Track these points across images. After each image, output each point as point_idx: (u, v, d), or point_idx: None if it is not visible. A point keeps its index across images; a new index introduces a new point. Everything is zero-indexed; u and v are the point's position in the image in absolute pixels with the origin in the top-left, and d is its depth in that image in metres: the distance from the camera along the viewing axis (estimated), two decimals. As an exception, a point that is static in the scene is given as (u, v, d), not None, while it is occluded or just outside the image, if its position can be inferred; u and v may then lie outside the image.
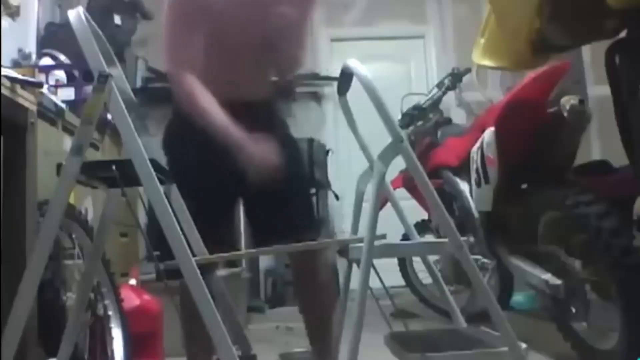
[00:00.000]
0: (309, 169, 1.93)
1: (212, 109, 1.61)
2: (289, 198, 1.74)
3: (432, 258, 1.99)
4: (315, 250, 1.77)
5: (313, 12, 1.88)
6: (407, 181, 2.97)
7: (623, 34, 1.83)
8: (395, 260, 3.51)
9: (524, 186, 2.46)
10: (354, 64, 1.44)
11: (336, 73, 1.64)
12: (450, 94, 3.32)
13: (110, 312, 1.98)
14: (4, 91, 1.50)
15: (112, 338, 1.97)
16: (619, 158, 2.01)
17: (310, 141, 4.25)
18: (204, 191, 1.69)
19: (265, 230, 1.78)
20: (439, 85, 3.34)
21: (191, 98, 1.63)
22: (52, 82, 2.77)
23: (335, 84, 1.68)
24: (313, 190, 4.14)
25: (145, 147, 1.29)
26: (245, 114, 1.64)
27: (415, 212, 2.86)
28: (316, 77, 4.86)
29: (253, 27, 1.73)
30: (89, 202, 2.61)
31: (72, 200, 1.85)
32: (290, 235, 1.61)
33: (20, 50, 2.69)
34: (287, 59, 1.83)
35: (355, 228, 1.65)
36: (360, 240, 1.37)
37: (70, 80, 2.87)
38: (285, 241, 1.61)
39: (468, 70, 3.28)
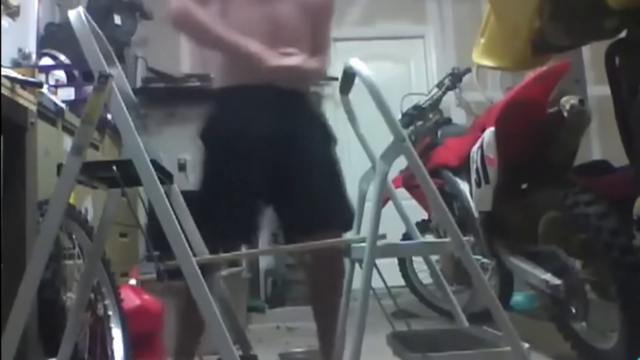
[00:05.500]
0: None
1: (218, 30, 1.65)
2: (322, 189, 1.70)
3: (432, 258, 1.99)
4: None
5: (330, 18, 1.92)
6: (407, 181, 2.97)
7: (623, 34, 1.83)
8: (395, 260, 3.51)
9: (524, 186, 2.45)
10: (356, 63, 1.44)
11: (336, 73, 1.63)
12: (450, 94, 3.32)
13: (110, 312, 1.98)
14: (4, 91, 1.50)
15: (112, 338, 1.97)
16: (619, 158, 2.01)
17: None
18: (233, 188, 1.70)
19: (299, 225, 1.75)
20: (439, 85, 3.34)
21: (191, 18, 1.66)
22: (52, 82, 2.77)
23: (335, 84, 1.68)
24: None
25: (146, 147, 1.29)
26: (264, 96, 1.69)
27: (416, 212, 2.86)
28: (316, 77, 4.85)
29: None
30: (89, 202, 2.60)
31: (72, 200, 1.85)
32: (324, 227, 1.59)
33: (20, 50, 2.68)
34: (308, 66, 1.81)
35: (357, 228, 1.65)
36: (363, 240, 1.37)
37: (70, 80, 2.87)
38: (319, 234, 1.59)
39: (468, 70, 3.28)
